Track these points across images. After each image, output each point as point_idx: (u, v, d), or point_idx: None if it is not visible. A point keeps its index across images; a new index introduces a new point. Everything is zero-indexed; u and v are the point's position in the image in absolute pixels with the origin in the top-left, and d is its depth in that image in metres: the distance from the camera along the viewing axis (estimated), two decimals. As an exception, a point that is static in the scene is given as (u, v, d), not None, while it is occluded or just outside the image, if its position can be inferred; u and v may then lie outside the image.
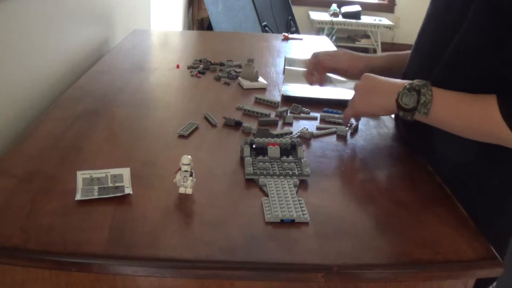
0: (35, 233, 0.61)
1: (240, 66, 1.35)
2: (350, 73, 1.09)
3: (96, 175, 0.73)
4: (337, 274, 0.59)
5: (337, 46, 1.88)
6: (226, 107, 1.06)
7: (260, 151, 0.82)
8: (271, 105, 1.09)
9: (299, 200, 0.70)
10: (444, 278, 0.63)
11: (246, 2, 3.19)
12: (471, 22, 0.76)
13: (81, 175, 0.72)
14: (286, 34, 1.86)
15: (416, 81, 0.78)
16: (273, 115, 1.03)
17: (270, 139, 0.84)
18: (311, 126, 0.99)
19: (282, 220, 0.66)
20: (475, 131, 0.76)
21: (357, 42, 5.12)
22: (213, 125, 0.96)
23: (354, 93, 0.90)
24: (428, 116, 0.77)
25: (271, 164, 0.79)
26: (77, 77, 1.24)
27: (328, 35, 4.75)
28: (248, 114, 1.04)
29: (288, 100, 1.12)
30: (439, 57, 0.82)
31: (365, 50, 4.87)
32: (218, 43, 1.70)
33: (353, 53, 1.10)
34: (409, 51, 1.09)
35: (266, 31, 3.21)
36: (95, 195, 0.69)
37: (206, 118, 0.99)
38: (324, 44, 1.80)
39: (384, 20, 5.04)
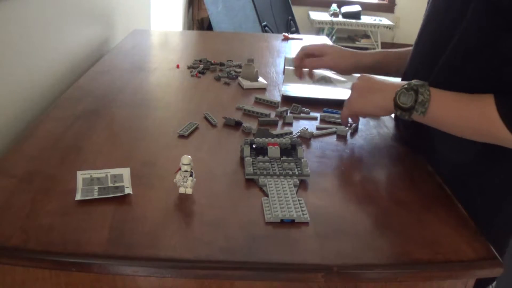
0: (35, 233, 0.61)
1: (240, 66, 1.35)
2: (336, 70, 1.12)
3: (96, 175, 0.73)
4: (337, 274, 0.59)
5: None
6: (226, 107, 1.06)
7: (260, 151, 0.82)
8: (271, 105, 1.09)
9: (299, 200, 0.70)
10: (444, 278, 0.63)
11: (246, 2, 3.19)
12: (471, 22, 0.76)
13: (81, 175, 0.72)
14: (286, 34, 1.86)
15: (414, 81, 0.78)
16: (273, 115, 1.03)
17: (270, 139, 0.84)
18: (311, 126, 0.99)
19: (282, 220, 0.66)
20: (473, 131, 0.76)
21: (357, 42, 5.12)
22: (213, 125, 0.97)
23: (351, 93, 0.90)
24: (426, 116, 0.77)
25: (271, 164, 0.79)
26: (77, 77, 1.24)
27: (328, 35, 4.75)
28: (248, 114, 1.04)
29: (288, 100, 1.12)
30: (439, 57, 0.82)
31: (365, 50, 4.87)
32: (218, 43, 1.70)
33: (341, 50, 1.10)
34: (400, 49, 1.10)
35: (266, 31, 3.21)
36: (95, 195, 0.69)
37: (206, 118, 0.99)
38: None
39: (384, 20, 5.04)
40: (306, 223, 0.66)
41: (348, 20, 4.98)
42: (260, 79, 1.24)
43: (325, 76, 1.25)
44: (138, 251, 0.59)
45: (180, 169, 0.69)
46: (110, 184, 0.71)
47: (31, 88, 1.09)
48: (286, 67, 1.29)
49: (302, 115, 1.05)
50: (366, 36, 5.19)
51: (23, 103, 1.05)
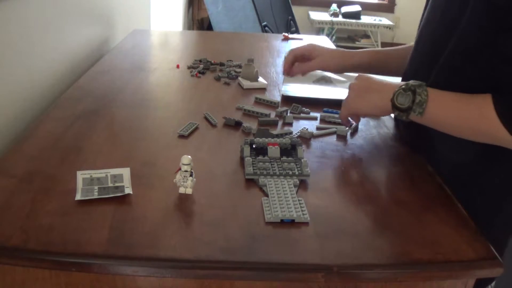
0: (35, 233, 0.61)
1: (240, 66, 1.35)
2: (326, 71, 1.15)
3: (96, 175, 0.73)
4: (337, 274, 0.59)
5: (337, 46, 1.87)
6: (226, 107, 1.06)
7: (260, 151, 0.82)
8: (271, 105, 1.09)
9: (299, 200, 0.70)
10: (444, 278, 0.63)
11: (246, 2, 3.19)
12: (470, 21, 0.76)
13: (81, 175, 0.72)
14: (286, 34, 1.86)
15: (411, 82, 0.78)
16: (273, 115, 1.03)
17: (270, 139, 0.84)
18: (311, 126, 0.99)
19: (282, 220, 0.66)
20: (471, 131, 0.76)
21: (357, 42, 5.12)
22: (213, 125, 0.97)
23: (348, 92, 0.90)
24: (423, 116, 0.77)
25: (271, 164, 0.79)
26: (77, 77, 1.24)
27: (328, 35, 4.75)
28: (248, 114, 1.04)
29: (288, 100, 1.12)
30: (439, 56, 0.82)
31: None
32: (218, 43, 1.70)
33: (330, 51, 1.11)
34: (392, 48, 1.11)
35: (266, 31, 3.21)
36: (95, 195, 0.69)
37: (206, 118, 0.99)
38: (324, 44, 1.80)
39: (384, 20, 5.04)
40: (306, 223, 0.66)
41: (348, 20, 4.98)
42: (260, 79, 1.24)
43: (325, 76, 1.25)
44: (138, 251, 0.59)
45: (180, 169, 0.69)
46: (110, 184, 0.71)
47: (31, 88, 1.09)
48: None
49: (302, 115, 1.05)
50: (366, 36, 5.19)
51: (23, 103, 1.05)
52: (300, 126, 0.98)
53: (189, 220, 0.66)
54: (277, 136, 0.90)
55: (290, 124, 1.00)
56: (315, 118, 1.04)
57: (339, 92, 1.15)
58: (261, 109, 1.04)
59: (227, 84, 1.23)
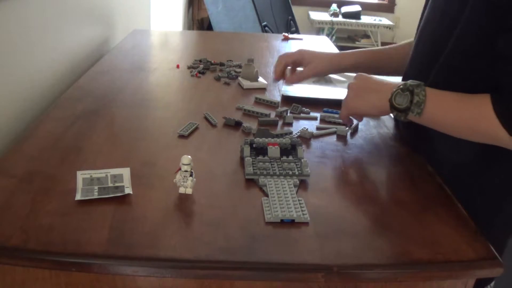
0: (35, 233, 0.61)
1: (240, 66, 1.35)
2: (319, 75, 1.18)
3: (96, 175, 0.73)
4: (337, 274, 0.59)
5: (337, 46, 1.88)
6: (226, 107, 1.06)
7: (260, 151, 0.82)
8: (271, 105, 1.09)
9: (299, 200, 0.70)
10: (444, 278, 0.63)
11: (246, 2, 3.19)
12: (469, 21, 0.76)
13: (81, 175, 0.72)
14: (286, 34, 1.86)
15: (410, 82, 0.78)
16: (273, 115, 1.03)
17: (270, 139, 0.84)
18: (311, 126, 0.99)
19: (282, 220, 0.66)
20: (470, 132, 0.75)
21: (357, 42, 5.12)
22: (213, 125, 0.97)
23: (347, 92, 0.90)
24: (422, 117, 0.77)
25: (271, 164, 0.79)
26: (77, 77, 1.24)
27: (328, 35, 4.75)
28: (248, 114, 1.04)
29: (288, 100, 1.12)
30: (439, 56, 0.82)
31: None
32: (218, 43, 1.70)
33: (320, 55, 1.11)
34: (384, 47, 1.11)
35: (266, 31, 3.21)
36: (95, 195, 0.69)
37: (206, 118, 0.99)
38: (324, 44, 1.80)
39: (384, 20, 5.04)
40: (306, 223, 0.66)
41: (348, 20, 4.98)
42: (260, 79, 1.24)
43: (325, 76, 1.25)
44: (138, 251, 0.59)
45: (180, 169, 0.69)
46: (110, 184, 0.71)
47: (31, 88, 1.09)
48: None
49: (302, 115, 1.05)
50: (366, 36, 5.19)
51: (23, 103, 1.05)
52: (300, 126, 0.98)
53: (189, 220, 0.66)
54: (277, 136, 0.90)
55: (290, 124, 1.00)
56: (315, 118, 1.04)
57: (339, 92, 1.15)
58: (261, 109, 1.04)
59: (227, 84, 1.23)
